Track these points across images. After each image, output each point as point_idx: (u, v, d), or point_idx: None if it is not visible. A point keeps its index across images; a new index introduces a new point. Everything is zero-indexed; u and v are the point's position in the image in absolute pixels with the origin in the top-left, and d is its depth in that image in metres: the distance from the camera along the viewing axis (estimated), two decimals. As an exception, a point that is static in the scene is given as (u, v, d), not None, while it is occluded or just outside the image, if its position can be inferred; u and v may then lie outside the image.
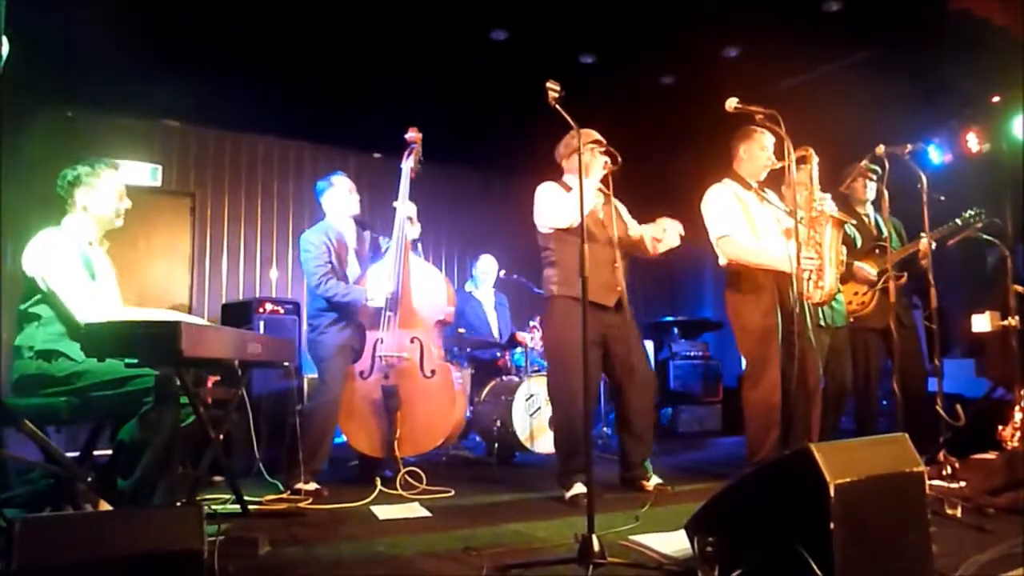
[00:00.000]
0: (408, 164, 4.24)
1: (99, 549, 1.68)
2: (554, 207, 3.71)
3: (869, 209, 4.47)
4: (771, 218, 3.91)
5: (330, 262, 4.03)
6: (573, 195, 3.54)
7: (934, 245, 3.93)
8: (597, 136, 3.70)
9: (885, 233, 4.30)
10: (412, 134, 4.27)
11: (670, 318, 7.50)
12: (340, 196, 4.20)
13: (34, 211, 5.36)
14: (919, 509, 2.00)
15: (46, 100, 5.45)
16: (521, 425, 4.88)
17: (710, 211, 3.93)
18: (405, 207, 4.21)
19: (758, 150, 3.90)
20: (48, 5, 3.80)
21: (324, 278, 3.98)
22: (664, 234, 3.79)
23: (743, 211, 3.89)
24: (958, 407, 3.38)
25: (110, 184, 3.13)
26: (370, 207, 6.27)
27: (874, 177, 4.26)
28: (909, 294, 4.49)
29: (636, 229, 3.93)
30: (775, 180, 4.02)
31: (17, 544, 1.61)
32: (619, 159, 3.53)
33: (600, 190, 3.79)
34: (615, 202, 3.87)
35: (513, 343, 5.69)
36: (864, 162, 4.02)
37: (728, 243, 3.86)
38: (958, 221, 4.08)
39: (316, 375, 4.19)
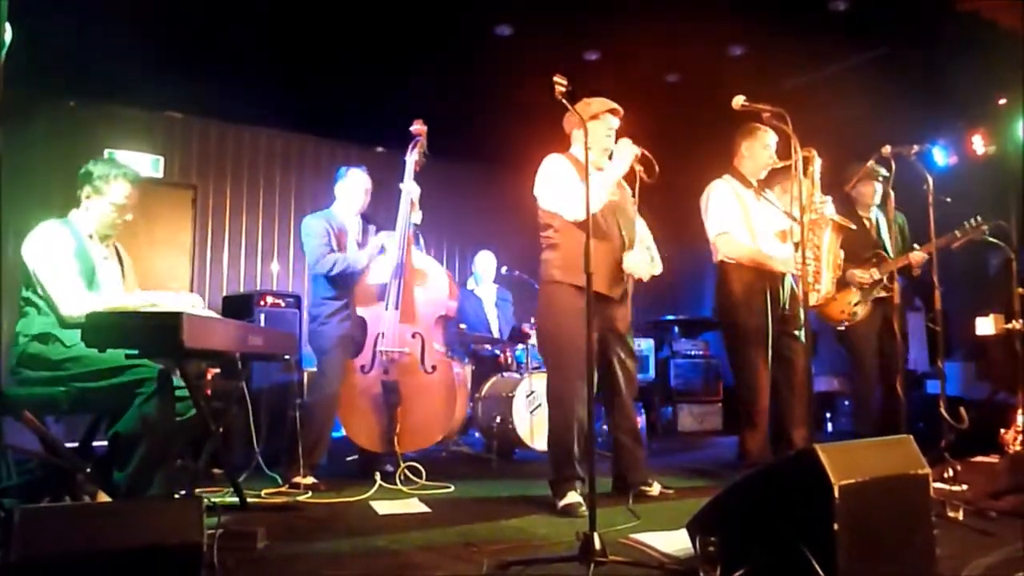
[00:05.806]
0: (412, 157, 4.22)
1: (99, 540, 1.67)
2: (561, 199, 3.28)
3: (873, 213, 4.42)
4: (768, 218, 3.87)
5: (329, 245, 4.02)
6: (584, 188, 3.13)
7: (932, 253, 3.80)
8: (610, 105, 3.39)
9: (887, 238, 4.28)
10: (417, 126, 4.26)
11: (671, 317, 7.48)
12: (349, 190, 4.21)
13: (36, 201, 5.39)
14: (923, 511, 1.99)
15: (49, 90, 5.43)
16: (521, 422, 4.87)
17: (710, 208, 3.91)
18: (410, 188, 4.19)
19: (760, 148, 3.86)
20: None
21: (322, 254, 3.96)
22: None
23: (741, 209, 3.86)
24: (962, 409, 3.37)
25: (117, 195, 3.10)
26: (372, 200, 6.27)
27: (880, 180, 4.22)
28: (910, 296, 4.47)
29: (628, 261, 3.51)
30: (774, 179, 4.00)
31: (17, 534, 1.60)
32: (656, 170, 3.21)
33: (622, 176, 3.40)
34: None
35: (520, 337, 5.64)
36: (870, 163, 3.99)
37: (726, 240, 3.83)
38: (957, 233, 4.03)
39: (316, 368, 4.18)
